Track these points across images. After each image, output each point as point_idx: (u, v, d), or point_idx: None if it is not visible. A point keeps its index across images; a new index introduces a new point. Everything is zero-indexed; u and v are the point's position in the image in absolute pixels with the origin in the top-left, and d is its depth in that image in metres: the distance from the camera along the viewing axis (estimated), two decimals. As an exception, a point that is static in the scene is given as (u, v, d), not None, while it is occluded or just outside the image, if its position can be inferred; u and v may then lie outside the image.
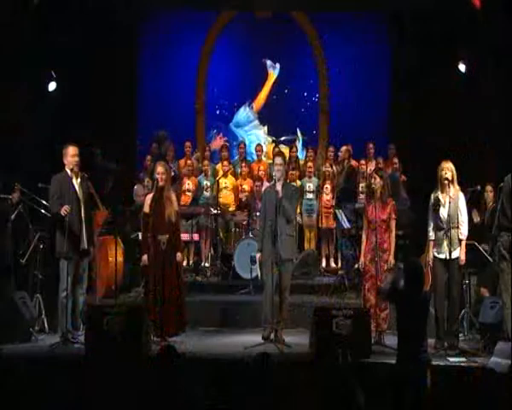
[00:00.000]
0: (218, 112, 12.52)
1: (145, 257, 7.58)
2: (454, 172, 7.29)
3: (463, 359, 6.81)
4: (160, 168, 7.70)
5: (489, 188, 8.70)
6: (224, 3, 12.00)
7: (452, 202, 7.21)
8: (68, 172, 7.50)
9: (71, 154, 7.48)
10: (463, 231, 7.24)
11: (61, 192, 7.41)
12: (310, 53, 12.43)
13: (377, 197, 7.55)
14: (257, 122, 12.60)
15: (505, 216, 6.90)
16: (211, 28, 12.38)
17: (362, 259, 7.64)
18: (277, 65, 12.47)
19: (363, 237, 7.69)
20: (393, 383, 4.92)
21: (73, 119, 10.37)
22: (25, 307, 7.71)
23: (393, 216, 7.58)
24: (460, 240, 7.23)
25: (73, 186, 7.49)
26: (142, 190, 9.65)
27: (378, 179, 7.59)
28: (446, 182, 7.25)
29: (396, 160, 10.77)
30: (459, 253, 7.23)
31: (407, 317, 5.58)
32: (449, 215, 7.20)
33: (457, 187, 7.31)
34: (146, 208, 7.68)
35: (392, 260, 7.52)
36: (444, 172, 7.27)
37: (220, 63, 12.46)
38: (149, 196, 7.75)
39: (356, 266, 8.07)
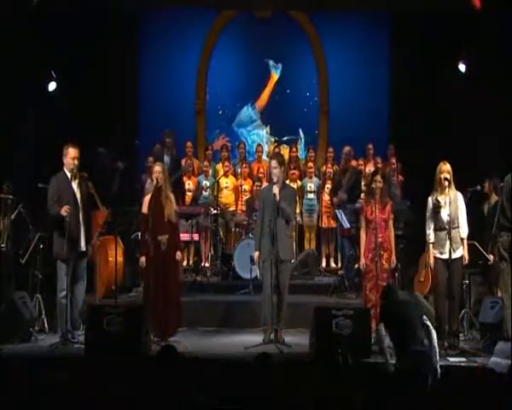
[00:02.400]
0: (220, 112, 12.51)
1: (143, 258, 7.59)
2: (451, 173, 7.32)
3: (463, 359, 6.81)
4: (157, 168, 7.72)
5: (488, 181, 8.67)
6: (224, 3, 12.00)
7: (452, 202, 7.23)
8: (67, 172, 7.49)
9: (71, 156, 7.47)
10: (464, 230, 7.27)
11: (60, 193, 7.40)
12: (310, 53, 12.42)
13: (377, 198, 7.59)
14: (259, 122, 12.59)
15: (505, 216, 6.92)
16: (211, 28, 12.36)
17: (362, 259, 7.66)
18: (279, 65, 12.47)
19: (362, 236, 7.72)
20: (395, 381, 4.92)
21: (73, 118, 10.37)
22: (25, 307, 7.70)
23: (392, 216, 7.66)
24: (462, 239, 7.27)
25: (72, 187, 7.48)
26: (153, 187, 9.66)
27: (380, 180, 7.64)
28: (446, 183, 7.27)
29: (394, 160, 10.78)
30: (462, 252, 7.26)
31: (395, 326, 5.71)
32: (449, 216, 7.21)
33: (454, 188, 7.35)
34: (144, 209, 7.69)
35: (394, 259, 7.61)
36: (443, 174, 7.30)
37: (221, 63, 12.45)
38: (147, 197, 7.77)
39: (356, 266, 8.08)
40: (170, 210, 7.64)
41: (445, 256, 7.24)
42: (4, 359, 6.30)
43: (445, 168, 7.32)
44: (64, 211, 7.19)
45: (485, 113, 9.88)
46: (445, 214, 7.26)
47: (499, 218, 7.00)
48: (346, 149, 10.52)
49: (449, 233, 7.18)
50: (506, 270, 6.91)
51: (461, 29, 10.17)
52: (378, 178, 7.70)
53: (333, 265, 10.88)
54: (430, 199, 7.38)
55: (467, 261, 7.28)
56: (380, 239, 7.51)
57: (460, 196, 7.37)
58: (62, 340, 7.25)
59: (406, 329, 5.70)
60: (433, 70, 10.87)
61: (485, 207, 8.64)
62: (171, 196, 7.77)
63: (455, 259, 7.19)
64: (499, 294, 7.45)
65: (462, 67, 10.50)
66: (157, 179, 7.63)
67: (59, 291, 7.35)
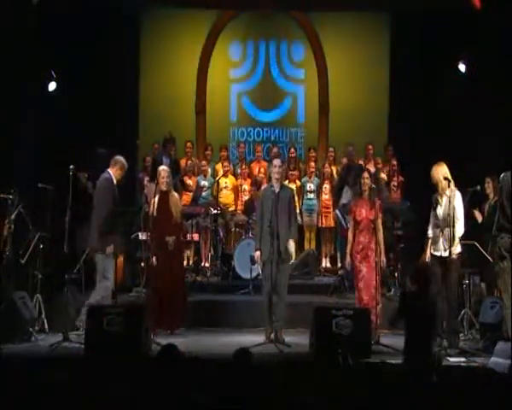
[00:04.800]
0: (219, 112, 12.49)
1: (154, 258, 7.85)
2: (447, 172, 7.40)
3: (463, 359, 6.81)
4: (164, 173, 8.04)
5: (487, 180, 8.67)
6: (224, 3, 11.99)
7: (450, 201, 7.33)
8: (114, 178, 7.98)
9: (120, 166, 8.04)
10: (458, 228, 7.34)
11: (112, 195, 7.87)
12: (310, 53, 12.41)
13: (365, 196, 7.64)
14: (257, 122, 12.58)
15: (505, 216, 6.93)
16: (211, 27, 12.34)
17: (348, 259, 7.75)
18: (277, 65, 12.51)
19: (350, 237, 7.80)
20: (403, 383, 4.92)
21: (73, 118, 10.36)
22: (25, 307, 7.71)
23: (380, 215, 7.69)
24: (454, 237, 7.33)
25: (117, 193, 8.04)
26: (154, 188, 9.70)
27: (367, 180, 7.67)
28: (444, 182, 7.33)
29: (394, 161, 10.79)
30: (453, 249, 7.33)
31: (416, 320, 5.69)
32: (445, 213, 7.35)
33: (453, 186, 7.41)
34: (152, 211, 7.94)
35: (384, 258, 7.69)
36: (438, 175, 7.41)
37: (221, 62, 12.45)
38: (154, 200, 8.02)
39: (347, 266, 8.07)
40: (176, 212, 8.04)
41: (439, 253, 7.41)
42: (4, 359, 6.31)
43: (439, 168, 7.44)
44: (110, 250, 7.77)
45: (485, 113, 9.87)
46: (440, 212, 7.41)
47: (499, 218, 7.02)
48: (350, 148, 10.54)
49: (443, 230, 7.35)
50: (506, 269, 6.92)
51: (461, 29, 10.17)
52: (365, 175, 7.74)
53: (333, 265, 10.87)
54: (433, 196, 7.53)
55: (455, 257, 7.32)
56: (367, 240, 7.58)
57: (458, 194, 7.45)
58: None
59: (428, 325, 5.74)
60: (433, 70, 10.87)
61: (485, 207, 8.63)
62: (177, 197, 8.20)
63: (449, 257, 7.27)
64: (498, 294, 7.46)
65: (462, 67, 10.50)
66: (164, 184, 7.97)
67: (110, 282, 7.74)
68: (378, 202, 7.77)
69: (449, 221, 7.29)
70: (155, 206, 7.91)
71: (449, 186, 7.36)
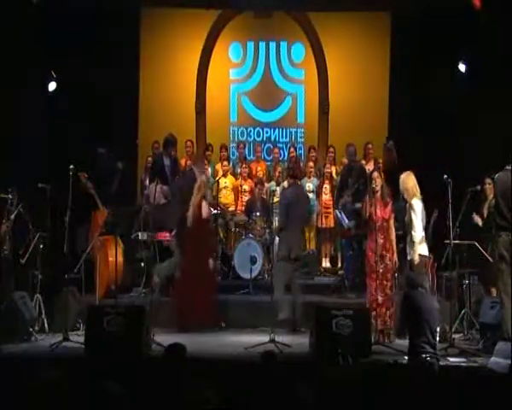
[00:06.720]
0: (219, 112, 12.49)
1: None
2: (412, 182, 7.65)
3: (463, 359, 6.82)
4: (205, 181, 8.83)
5: (488, 181, 8.68)
6: (223, 3, 11.99)
7: (408, 208, 7.62)
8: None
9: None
10: (414, 234, 7.54)
11: None
12: (310, 52, 12.41)
13: (378, 197, 7.66)
14: (257, 122, 12.58)
15: (502, 216, 6.94)
16: (211, 27, 12.34)
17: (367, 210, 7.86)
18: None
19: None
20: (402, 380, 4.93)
21: (73, 119, 10.37)
22: (25, 306, 7.72)
23: (392, 215, 7.78)
24: (413, 242, 7.55)
25: None
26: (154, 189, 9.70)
27: (379, 179, 7.71)
28: (410, 191, 7.59)
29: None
30: (412, 254, 7.57)
31: (414, 319, 5.75)
32: (406, 220, 7.67)
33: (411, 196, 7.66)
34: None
35: (396, 259, 7.74)
36: (405, 185, 7.68)
37: (221, 62, 12.45)
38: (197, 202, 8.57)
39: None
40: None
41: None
42: (4, 359, 6.31)
43: (402, 178, 7.73)
44: None
45: (485, 113, 9.87)
46: (405, 219, 7.75)
47: (496, 218, 7.04)
48: (351, 148, 10.54)
49: (405, 236, 7.74)
50: (506, 270, 6.92)
51: (461, 29, 10.17)
52: (375, 174, 7.78)
53: (333, 265, 10.87)
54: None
55: (416, 262, 7.51)
56: (382, 240, 7.59)
57: (415, 202, 7.61)
58: None
59: (423, 321, 5.79)
60: (433, 70, 10.87)
61: (484, 207, 8.63)
62: None
63: (409, 260, 7.62)
64: (496, 294, 7.48)
65: (462, 67, 10.51)
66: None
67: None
68: (390, 202, 7.83)
69: (408, 226, 7.59)
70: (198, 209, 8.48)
71: (414, 196, 7.56)
